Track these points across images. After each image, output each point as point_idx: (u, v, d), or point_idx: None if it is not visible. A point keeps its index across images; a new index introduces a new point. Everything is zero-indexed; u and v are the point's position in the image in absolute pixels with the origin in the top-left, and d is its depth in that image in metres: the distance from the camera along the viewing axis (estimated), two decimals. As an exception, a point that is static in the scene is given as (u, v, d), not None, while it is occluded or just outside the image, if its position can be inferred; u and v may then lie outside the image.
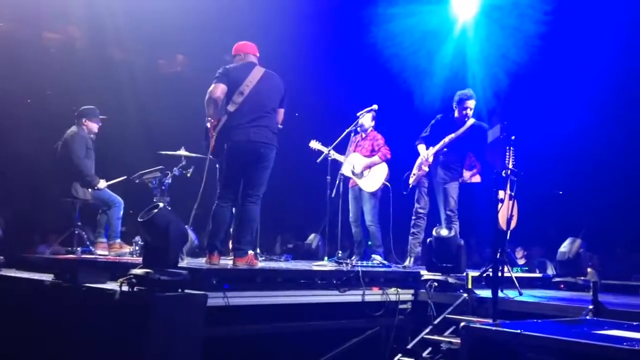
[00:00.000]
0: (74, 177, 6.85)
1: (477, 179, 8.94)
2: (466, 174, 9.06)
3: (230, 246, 6.06)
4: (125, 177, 7.20)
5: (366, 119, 7.42)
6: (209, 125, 5.50)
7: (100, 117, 7.21)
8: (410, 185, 7.19)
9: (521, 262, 9.29)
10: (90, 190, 6.88)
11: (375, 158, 7.38)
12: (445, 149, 6.97)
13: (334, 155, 7.25)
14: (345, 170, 7.37)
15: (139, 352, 4.01)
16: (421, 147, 7.15)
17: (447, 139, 6.91)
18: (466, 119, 6.97)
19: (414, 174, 7.17)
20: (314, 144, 7.43)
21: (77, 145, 6.90)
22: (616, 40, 9.42)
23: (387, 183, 7.41)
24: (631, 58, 9.62)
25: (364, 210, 7.45)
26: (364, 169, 7.38)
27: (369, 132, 7.53)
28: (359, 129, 7.42)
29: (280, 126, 5.87)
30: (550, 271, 8.22)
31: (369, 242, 7.58)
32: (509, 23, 9.95)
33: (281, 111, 5.72)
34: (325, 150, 7.26)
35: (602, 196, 9.89)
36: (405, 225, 7.37)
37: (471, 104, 6.96)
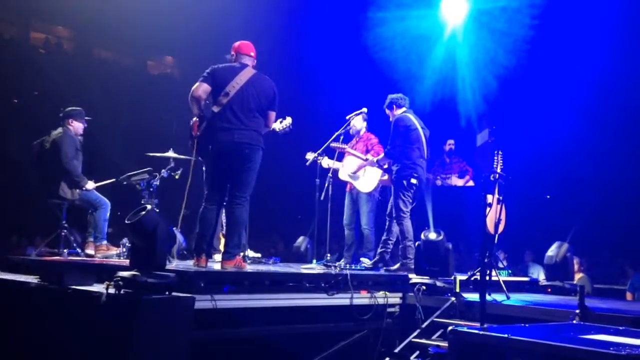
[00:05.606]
0: (61, 177, 6.80)
1: (471, 184, 8.97)
2: (459, 182, 9.08)
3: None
4: (114, 179, 7.16)
5: (357, 122, 7.42)
6: (191, 123, 5.49)
7: (85, 118, 7.16)
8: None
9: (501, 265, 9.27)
10: (77, 190, 6.83)
11: (369, 157, 7.34)
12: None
13: (328, 162, 7.21)
14: (342, 174, 7.33)
15: (125, 355, 3.97)
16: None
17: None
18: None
19: None
20: (310, 156, 7.34)
21: (66, 145, 6.83)
22: (604, 44, 9.50)
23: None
24: (619, 62, 9.70)
25: (361, 212, 7.39)
26: (358, 169, 7.34)
27: (362, 134, 7.52)
28: (351, 131, 7.41)
29: (279, 129, 5.88)
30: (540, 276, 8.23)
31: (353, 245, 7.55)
32: (497, 27, 10.03)
33: (272, 114, 5.66)
34: (318, 156, 7.22)
35: (589, 200, 9.95)
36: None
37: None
